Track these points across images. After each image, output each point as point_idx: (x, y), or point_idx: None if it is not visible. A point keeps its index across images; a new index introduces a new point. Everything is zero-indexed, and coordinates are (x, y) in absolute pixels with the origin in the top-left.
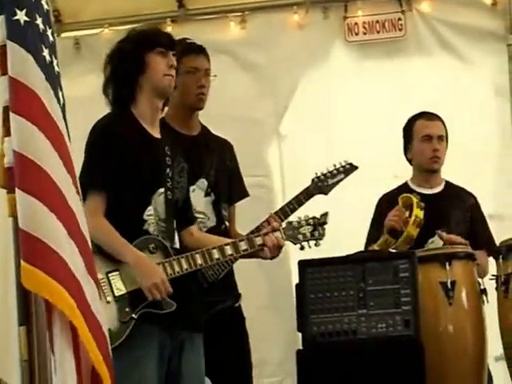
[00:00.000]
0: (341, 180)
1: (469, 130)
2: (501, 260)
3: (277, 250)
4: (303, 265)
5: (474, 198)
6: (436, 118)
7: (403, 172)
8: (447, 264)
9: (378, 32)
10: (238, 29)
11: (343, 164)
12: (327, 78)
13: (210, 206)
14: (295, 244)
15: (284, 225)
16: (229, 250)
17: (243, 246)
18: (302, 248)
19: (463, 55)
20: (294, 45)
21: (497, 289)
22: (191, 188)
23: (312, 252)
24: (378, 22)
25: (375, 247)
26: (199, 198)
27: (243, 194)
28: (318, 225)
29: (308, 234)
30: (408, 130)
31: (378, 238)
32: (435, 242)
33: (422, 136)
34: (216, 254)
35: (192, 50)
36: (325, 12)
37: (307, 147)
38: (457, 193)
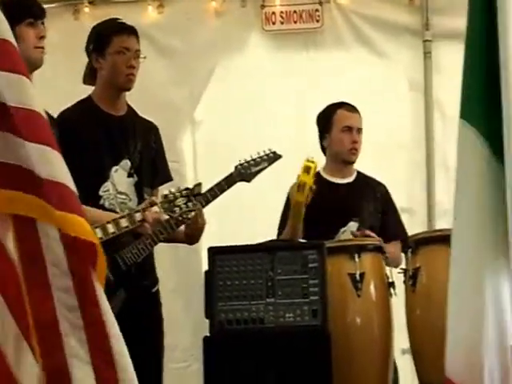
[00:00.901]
0: (264, 168)
1: (383, 123)
2: (409, 254)
3: (157, 224)
4: (213, 252)
5: (385, 189)
6: (355, 111)
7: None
8: (356, 256)
9: (295, 22)
10: (156, 13)
11: (267, 152)
12: (243, 66)
13: (132, 187)
14: (171, 217)
15: (161, 199)
16: (111, 228)
17: (124, 223)
18: (183, 220)
19: (380, 49)
20: (211, 32)
21: (405, 282)
22: (114, 168)
23: (227, 239)
24: (295, 12)
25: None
26: (122, 178)
27: (166, 178)
28: (192, 196)
29: (183, 206)
30: (327, 118)
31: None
32: (347, 232)
33: (343, 126)
34: (99, 233)
35: (124, 30)
36: (242, 0)
37: (221, 134)
38: (368, 183)
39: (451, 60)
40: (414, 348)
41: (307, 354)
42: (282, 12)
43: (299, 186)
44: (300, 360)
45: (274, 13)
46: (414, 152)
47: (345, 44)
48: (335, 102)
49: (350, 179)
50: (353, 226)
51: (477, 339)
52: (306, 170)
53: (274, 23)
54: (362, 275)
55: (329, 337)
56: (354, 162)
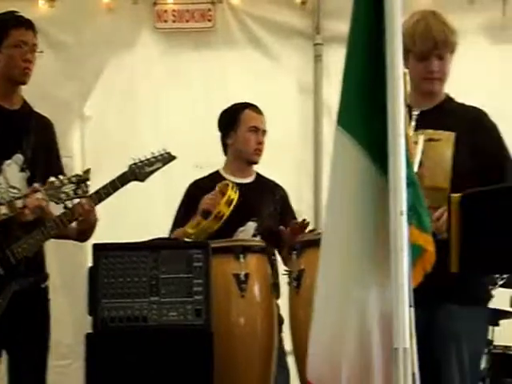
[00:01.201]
0: (158, 168)
1: (272, 125)
2: (294, 256)
3: (38, 211)
4: (98, 248)
5: (284, 191)
6: (261, 113)
7: (204, 162)
8: (241, 256)
9: (188, 21)
10: (47, 7)
11: (161, 153)
12: (134, 63)
13: (24, 181)
14: (58, 203)
15: (47, 185)
16: None
17: (3, 209)
18: (66, 208)
19: (271, 51)
20: (102, 28)
21: (289, 284)
22: (7, 162)
23: (117, 237)
24: (187, 10)
25: (187, 229)
26: (14, 172)
27: (59, 174)
28: (81, 182)
29: (71, 193)
30: (233, 116)
31: (184, 222)
32: (246, 231)
33: (250, 126)
34: None
35: (22, 23)
36: None
37: (110, 131)
38: (267, 185)
39: (341, 64)
40: (296, 349)
41: (190, 353)
42: (174, 10)
43: (217, 216)
44: (182, 359)
45: (166, 11)
46: (302, 154)
47: (236, 45)
48: (241, 101)
49: (250, 179)
50: (251, 225)
51: (336, 347)
52: (229, 202)
53: (165, 21)
54: (246, 276)
55: (211, 336)
56: (257, 163)
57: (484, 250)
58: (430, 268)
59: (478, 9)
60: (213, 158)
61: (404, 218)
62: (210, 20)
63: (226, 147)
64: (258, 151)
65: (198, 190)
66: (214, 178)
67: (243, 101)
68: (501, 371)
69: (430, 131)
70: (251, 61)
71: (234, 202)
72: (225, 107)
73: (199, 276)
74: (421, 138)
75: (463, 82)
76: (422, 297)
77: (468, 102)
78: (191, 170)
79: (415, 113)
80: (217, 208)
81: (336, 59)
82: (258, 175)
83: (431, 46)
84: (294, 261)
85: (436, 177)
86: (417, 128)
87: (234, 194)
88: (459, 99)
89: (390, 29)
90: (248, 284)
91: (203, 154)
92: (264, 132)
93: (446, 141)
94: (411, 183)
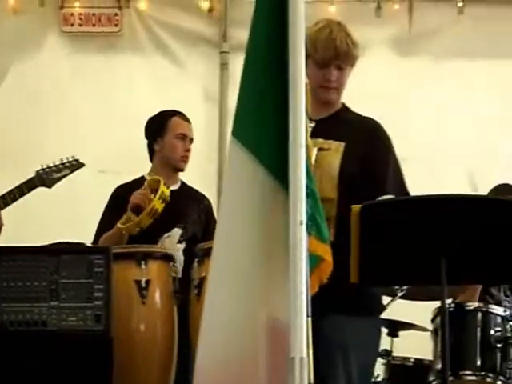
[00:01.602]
0: (66, 175)
1: None
2: (196, 264)
3: None
4: None
5: (208, 201)
6: (189, 121)
7: (110, 167)
8: (143, 263)
9: (94, 25)
10: None
11: (70, 160)
12: (39, 66)
13: None
14: None
15: None
16: None
17: None
18: None
19: (177, 58)
20: (8, 30)
21: (190, 292)
22: None
23: (17, 242)
24: (94, 14)
25: (118, 225)
26: None
27: None
28: None
29: None
30: (161, 123)
31: (112, 225)
32: (171, 237)
33: (178, 133)
34: None
35: None
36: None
37: (14, 134)
38: (192, 193)
39: None
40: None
41: (89, 359)
42: (80, 14)
43: (151, 211)
44: (81, 364)
45: (72, 14)
46: (207, 163)
47: (143, 50)
48: (169, 109)
49: (176, 187)
50: (177, 232)
51: (226, 352)
52: (162, 198)
53: (72, 25)
54: (147, 282)
55: (111, 342)
56: (183, 170)
57: (382, 262)
58: (326, 278)
59: (384, 22)
60: (118, 163)
61: (303, 227)
62: (116, 25)
63: (152, 154)
64: (185, 158)
65: (124, 191)
66: (139, 183)
67: (150, 107)
68: (399, 382)
69: (321, 140)
70: (157, 67)
71: (168, 199)
72: (130, 113)
73: (100, 281)
74: (314, 148)
75: (367, 92)
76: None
77: (369, 113)
78: (95, 174)
79: (311, 125)
80: (151, 203)
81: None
82: (183, 183)
83: (333, 54)
84: (196, 268)
85: (324, 187)
86: (311, 137)
87: (166, 190)
88: (360, 110)
89: (293, 39)
90: (149, 290)
91: (108, 158)
92: (191, 140)
93: (335, 150)
94: (311, 193)
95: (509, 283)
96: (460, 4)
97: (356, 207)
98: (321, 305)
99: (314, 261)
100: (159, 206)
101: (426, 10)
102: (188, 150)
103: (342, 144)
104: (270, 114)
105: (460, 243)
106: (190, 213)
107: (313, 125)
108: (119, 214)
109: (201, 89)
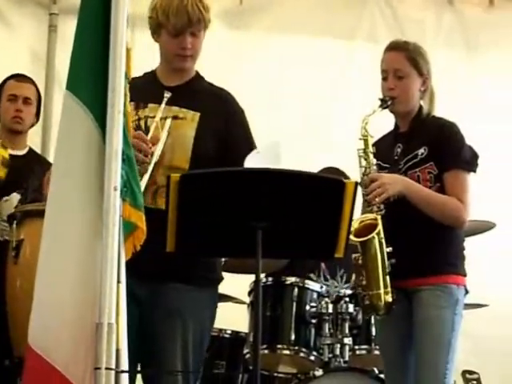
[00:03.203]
0: None
1: None
2: (14, 226)
3: None
4: None
5: None
6: (27, 81)
7: None
8: None
9: None
10: None
11: None
12: None
13: None
14: None
15: None
16: None
17: None
18: None
19: (5, 18)
20: None
21: (7, 254)
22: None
23: None
24: None
25: None
26: None
27: None
28: None
29: None
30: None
31: None
32: (9, 201)
33: (9, 95)
34: None
35: None
36: None
37: None
38: (40, 159)
39: None
40: (13, 319)
41: None
42: None
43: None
44: None
45: None
46: None
47: None
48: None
49: (23, 152)
50: (15, 196)
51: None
52: (1, 161)
53: None
54: None
55: None
56: (19, 131)
57: (198, 232)
58: (139, 245)
59: None
60: None
61: (117, 193)
62: None
63: None
64: (18, 118)
65: None
66: None
67: None
68: (215, 354)
69: (176, 109)
70: None
71: (7, 162)
72: None
73: None
74: (169, 115)
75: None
76: (148, 273)
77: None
78: None
79: (167, 95)
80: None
81: (72, 30)
82: (31, 149)
83: (186, 22)
84: (14, 230)
85: (175, 156)
86: (166, 104)
87: (5, 152)
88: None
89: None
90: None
91: None
92: (27, 99)
93: (190, 120)
94: (127, 159)
95: (323, 258)
96: None
97: (175, 176)
98: (160, 272)
99: (129, 227)
100: (1, 172)
101: None
102: (19, 110)
103: (198, 114)
104: (99, 75)
105: (275, 217)
106: (33, 179)
107: (169, 95)
108: None
109: (28, 50)
